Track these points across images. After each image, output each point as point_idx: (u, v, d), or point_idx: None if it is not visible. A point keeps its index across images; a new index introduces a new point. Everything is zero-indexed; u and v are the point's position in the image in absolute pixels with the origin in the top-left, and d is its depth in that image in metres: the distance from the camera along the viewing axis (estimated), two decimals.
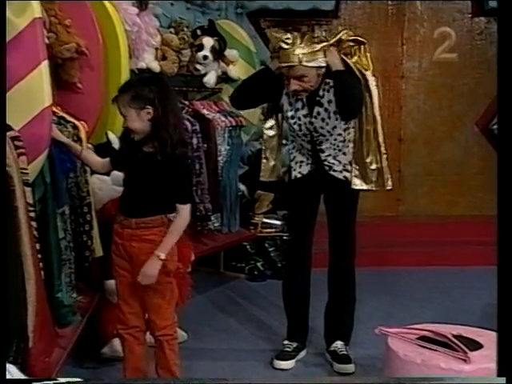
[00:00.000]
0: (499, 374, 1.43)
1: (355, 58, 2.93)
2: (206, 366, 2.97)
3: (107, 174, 2.82)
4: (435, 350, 2.27)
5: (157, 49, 3.71)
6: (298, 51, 2.76)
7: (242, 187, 4.68)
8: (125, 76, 2.99)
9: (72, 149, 2.49)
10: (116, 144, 2.98)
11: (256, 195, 4.80)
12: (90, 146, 2.86)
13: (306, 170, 3.03)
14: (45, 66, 1.90)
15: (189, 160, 2.44)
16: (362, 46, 2.96)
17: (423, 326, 2.50)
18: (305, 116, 2.92)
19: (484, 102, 5.38)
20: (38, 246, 1.90)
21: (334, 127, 2.91)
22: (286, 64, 2.80)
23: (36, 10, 1.86)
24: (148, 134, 2.26)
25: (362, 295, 4.14)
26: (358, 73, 2.88)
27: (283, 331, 3.38)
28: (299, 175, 3.03)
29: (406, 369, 2.24)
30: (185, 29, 4.09)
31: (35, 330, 1.67)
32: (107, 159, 2.50)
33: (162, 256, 2.27)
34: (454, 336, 2.31)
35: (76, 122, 2.74)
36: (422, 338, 2.38)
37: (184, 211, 2.31)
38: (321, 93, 2.88)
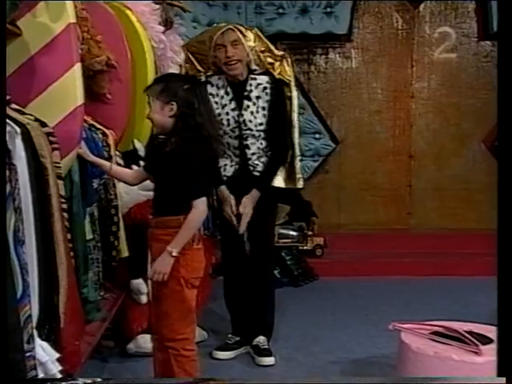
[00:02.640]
0: (499, 374, 1.40)
1: (278, 70, 3.11)
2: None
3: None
4: (447, 344, 2.24)
5: (180, 66, 3.75)
6: (233, 25, 3.04)
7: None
8: None
9: (102, 166, 2.40)
10: (142, 152, 3.01)
11: None
12: (117, 152, 2.89)
13: (230, 171, 3.05)
14: (78, 67, 1.94)
15: (202, 155, 2.20)
16: (284, 60, 3.14)
17: (435, 323, 2.46)
18: (233, 110, 3.01)
19: (489, 121, 5.37)
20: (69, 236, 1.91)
21: (261, 124, 3.00)
22: (221, 31, 2.98)
23: (71, 16, 1.91)
24: (168, 131, 2.17)
25: (375, 302, 4.15)
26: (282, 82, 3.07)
27: (297, 335, 3.37)
28: (224, 178, 3.04)
29: (419, 361, 2.20)
30: None
31: (66, 313, 1.67)
32: (138, 169, 2.45)
33: (174, 252, 2.11)
34: (466, 331, 2.28)
35: (105, 130, 2.77)
36: (435, 333, 2.35)
37: (198, 205, 2.14)
38: (248, 88, 3.00)
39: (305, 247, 5.00)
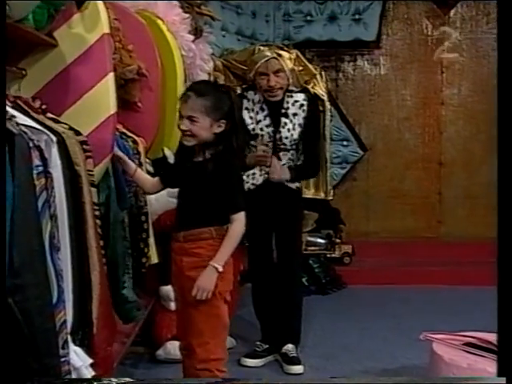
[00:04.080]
0: (499, 374, 1.39)
1: (312, 85, 3.19)
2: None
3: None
4: (481, 356, 2.20)
5: (209, 74, 3.79)
6: (275, 50, 3.06)
7: None
8: None
9: (127, 166, 2.32)
10: (171, 159, 3.04)
11: None
12: (147, 160, 2.93)
13: (259, 180, 3.06)
14: (111, 77, 1.97)
15: (239, 168, 2.19)
16: (319, 76, 3.23)
17: (468, 333, 2.43)
18: (267, 126, 3.05)
19: None
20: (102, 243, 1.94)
21: (295, 140, 3.05)
22: (264, 59, 2.98)
23: (105, 26, 1.96)
24: (204, 143, 2.09)
25: (404, 311, 4.11)
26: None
27: (325, 344, 3.35)
28: (252, 186, 3.05)
29: (451, 373, 2.17)
30: None
31: (98, 318, 1.70)
32: (157, 179, 2.35)
33: (220, 268, 2.03)
34: None
35: (136, 138, 2.81)
36: (468, 344, 2.31)
37: (238, 220, 2.08)
38: (285, 105, 3.03)
39: (333, 255, 4.99)
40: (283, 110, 3.04)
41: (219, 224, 2.08)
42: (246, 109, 3.04)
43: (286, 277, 3.11)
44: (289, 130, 3.04)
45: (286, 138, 3.04)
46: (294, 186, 3.09)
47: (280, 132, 3.04)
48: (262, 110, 3.06)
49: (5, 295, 1.17)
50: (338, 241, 5.05)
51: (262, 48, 3.11)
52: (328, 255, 4.95)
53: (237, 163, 2.15)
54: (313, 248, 4.78)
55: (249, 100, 3.09)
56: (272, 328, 3.19)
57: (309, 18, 5.48)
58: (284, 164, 3.07)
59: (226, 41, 4.55)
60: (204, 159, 2.08)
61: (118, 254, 2.10)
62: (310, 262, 4.69)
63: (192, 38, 3.39)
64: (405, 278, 4.79)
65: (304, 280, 4.55)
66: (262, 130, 3.05)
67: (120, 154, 2.28)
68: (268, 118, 3.05)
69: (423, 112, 5.62)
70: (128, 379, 1.57)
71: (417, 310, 4.12)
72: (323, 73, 3.31)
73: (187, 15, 3.30)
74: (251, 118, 3.03)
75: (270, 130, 3.04)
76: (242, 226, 2.10)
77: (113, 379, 1.53)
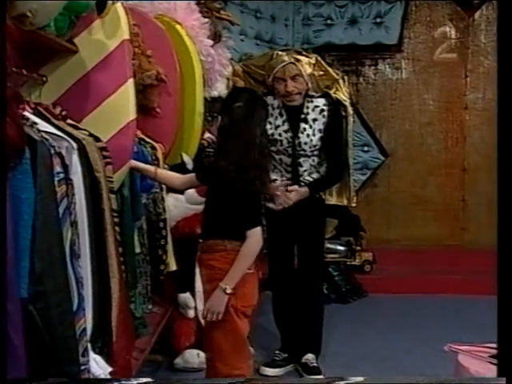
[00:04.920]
0: (499, 374, 1.39)
1: (334, 90, 3.16)
2: None
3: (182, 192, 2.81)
4: None
5: (228, 79, 3.81)
6: (293, 55, 3.07)
7: None
8: (199, 103, 3.08)
9: (147, 172, 2.32)
10: (190, 165, 3.06)
11: None
12: (166, 166, 2.95)
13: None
14: (131, 82, 2.00)
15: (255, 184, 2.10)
16: (341, 80, 3.21)
17: (495, 345, 2.39)
18: (286, 131, 3.06)
19: None
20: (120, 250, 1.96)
21: (315, 145, 3.05)
22: (281, 64, 2.99)
23: (125, 32, 1.98)
24: (219, 147, 2.14)
25: (426, 320, 4.07)
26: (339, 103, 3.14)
27: (346, 353, 3.33)
28: None
29: None
30: None
31: (117, 326, 1.72)
32: (189, 175, 2.35)
33: (228, 289, 1.99)
34: None
35: (154, 144, 2.84)
36: (494, 356, 2.28)
37: (254, 235, 2.03)
38: (305, 110, 3.04)
39: (353, 263, 4.98)
40: (302, 116, 3.05)
41: (234, 238, 2.05)
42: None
43: (308, 285, 3.11)
44: (308, 135, 3.05)
45: (305, 143, 3.05)
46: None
47: (299, 137, 3.05)
48: (281, 115, 3.08)
49: (4, 297, 1.18)
50: (358, 248, 5.03)
51: (280, 53, 3.13)
52: (348, 263, 4.93)
53: (253, 177, 2.05)
54: (332, 255, 4.76)
55: (268, 105, 3.10)
56: (292, 337, 3.19)
57: (329, 21, 5.48)
58: (305, 170, 3.08)
59: (245, 45, 4.57)
60: (226, 168, 2.05)
61: (126, 267, 2.11)
62: (330, 269, 4.68)
63: (211, 42, 3.41)
64: (427, 286, 4.75)
65: (324, 288, 4.54)
66: (280, 135, 3.06)
67: (134, 162, 2.20)
68: (287, 124, 3.06)
69: (446, 117, 5.59)
70: (148, 379, 1.58)
71: (440, 319, 4.08)
72: (346, 77, 3.30)
73: (206, 20, 3.32)
74: (270, 123, 3.05)
75: (289, 135, 3.06)
76: (256, 243, 2.04)
77: (132, 379, 1.53)
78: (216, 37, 3.50)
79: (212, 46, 3.45)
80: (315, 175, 3.09)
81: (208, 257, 2.08)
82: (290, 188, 3.00)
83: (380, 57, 5.57)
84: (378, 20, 5.46)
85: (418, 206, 5.52)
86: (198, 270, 2.29)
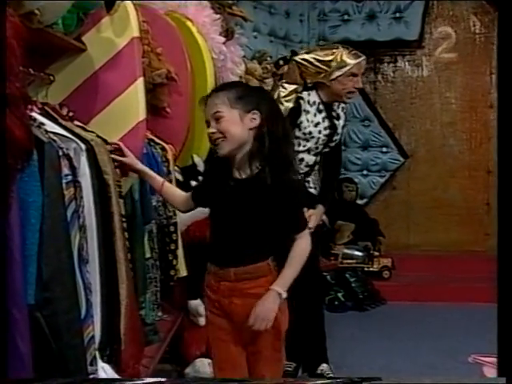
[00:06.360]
0: (499, 374, 1.42)
1: None
2: None
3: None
4: None
5: (241, 77, 3.82)
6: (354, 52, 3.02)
7: (324, 217, 4.69)
8: None
9: (152, 180, 2.09)
10: (201, 167, 3.08)
11: (337, 225, 4.80)
12: (176, 168, 2.96)
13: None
14: (140, 81, 2.01)
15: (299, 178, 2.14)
16: None
17: None
18: (325, 128, 3.05)
19: None
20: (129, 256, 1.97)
21: (338, 140, 3.13)
22: (358, 59, 2.97)
23: (135, 30, 2.00)
24: (246, 151, 1.81)
25: (448, 330, 4.05)
26: None
27: (363, 364, 3.32)
28: None
29: None
30: (268, 59, 4.21)
31: (126, 334, 1.73)
32: (187, 195, 2.08)
33: (284, 294, 1.80)
34: None
35: (164, 145, 2.85)
36: None
37: (303, 238, 1.84)
38: (334, 107, 3.08)
39: (371, 269, 4.97)
40: (334, 113, 3.08)
41: (278, 253, 1.86)
42: (305, 111, 3.04)
43: (309, 291, 3.11)
44: (338, 133, 3.10)
45: (335, 140, 3.09)
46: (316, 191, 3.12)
47: (338, 134, 3.09)
48: (320, 111, 3.05)
49: (6, 300, 1.20)
50: (376, 254, 5.02)
51: (343, 49, 3.06)
52: (366, 269, 4.92)
53: (295, 172, 1.89)
54: (349, 261, 4.76)
55: (304, 101, 3.08)
56: (296, 346, 3.20)
57: (346, 17, 5.49)
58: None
59: (258, 42, 4.59)
60: (252, 174, 1.80)
61: (137, 272, 2.12)
62: (347, 275, 4.68)
63: (223, 39, 3.42)
64: (448, 294, 4.73)
65: (340, 295, 4.54)
66: (319, 132, 3.04)
67: (140, 166, 2.04)
68: (327, 120, 3.06)
69: (469, 116, 5.56)
70: (161, 379, 1.58)
71: (462, 329, 4.05)
72: None
73: (218, 16, 3.34)
74: (308, 120, 3.04)
75: (328, 132, 3.06)
76: (307, 243, 1.85)
77: (145, 379, 1.54)
78: (228, 34, 3.52)
79: (224, 44, 3.46)
80: (313, 177, 3.12)
81: (251, 284, 1.82)
82: (309, 213, 2.97)
83: (399, 53, 5.56)
84: (398, 15, 5.45)
85: (439, 210, 5.50)
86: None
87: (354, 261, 4.81)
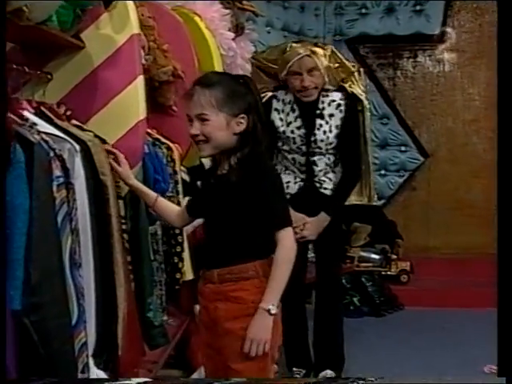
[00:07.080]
0: (499, 374, 1.45)
1: (349, 83, 3.15)
2: None
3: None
4: None
5: (251, 74, 3.80)
6: (309, 47, 3.02)
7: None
8: None
9: (146, 196, 2.03)
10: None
11: (352, 227, 4.78)
12: (182, 168, 2.96)
13: (294, 189, 3.08)
14: (140, 79, 2.01)
15: (276, 172, 1.99)
16: (356, 74, 3.20)
17: None
18: (299, 128, 3.04)
19: None
20: (129, 259, 1.97)
21: (331, 143, 3.04)
22: (297, 57, 2.96)
23: (135, 26, 2.00)
24: (227, 149, 1.80)
25: (468, 337, 4.00)
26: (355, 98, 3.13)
27: (379, 372, 3.28)
28: (287, 196, 2.99)
29: None
30: None
31: (124, 339, 1.73)
32: (181, 208, 2.07)
33: (273, 309, 1.72)
34: None
35: (170, 144, 2.85)
36: None
37: (286, 238, 1.76)
38: (320, 106, 3.03)
39: (388, 272, 4.94)
40: (318, 111, 3.05)
41: (266, 255, 1.78)
42: (276, 110, 3.07)
43: (326, 295, 3.10)
44: (324, 132, 3.04)
45: (322, 140, 3.05)
46: (331, 193, 3.09)
47: (315, 134, 3.05)
48: (293, 110, 3.08)
49: (4, 303, 1.20)
50: (394, 257, 4.99)
51: (294, 45, 3.12)
52: (383, 273, 4.89)
53: (271, 165, 1.95)
54: (366, 264, 4.74)
55: (278, 100, 3.11)
56: (304, 352, 3.18)
57: (364, 10, 5.44)
58: (321, 170, 3.09)
59: (272, 38, 4.57)
60: (229, 169, 1.80)
61: (143, 273, 2.12)
62: (363, 279, 4.65)
63: (232, 35, 3.41)
64: (470, 300, 4.67)
65: (356, 300, 4.51)
66: (292, 132, 3.06)
67: (133, 181, 1.98)
68: (299, 120, 3.06)
69: (493, 113, 5.46)
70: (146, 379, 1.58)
71: (483, 336, 3.97)
72: (361, 69, 3.34)
73: (227, 11, 3.33)
74: (281, 119, 3.06)
75: (302, 132, 3.05)
76: (291, 246, 1.76)
77: (132, 379, 1.54)
78: (238, 29, 3.51)
79: (233, 40, 3.45)
80: (331, 175, 3.10)
81: (233, 287, 1.78)
82: (306, 222, 2.96)
83: (420, 48, 5.51)
84: (418, 8, 5.40)
85: (460, 212, 5.44)
86: (198, 308, 1.99)
87: (371, 264, 4.78)
